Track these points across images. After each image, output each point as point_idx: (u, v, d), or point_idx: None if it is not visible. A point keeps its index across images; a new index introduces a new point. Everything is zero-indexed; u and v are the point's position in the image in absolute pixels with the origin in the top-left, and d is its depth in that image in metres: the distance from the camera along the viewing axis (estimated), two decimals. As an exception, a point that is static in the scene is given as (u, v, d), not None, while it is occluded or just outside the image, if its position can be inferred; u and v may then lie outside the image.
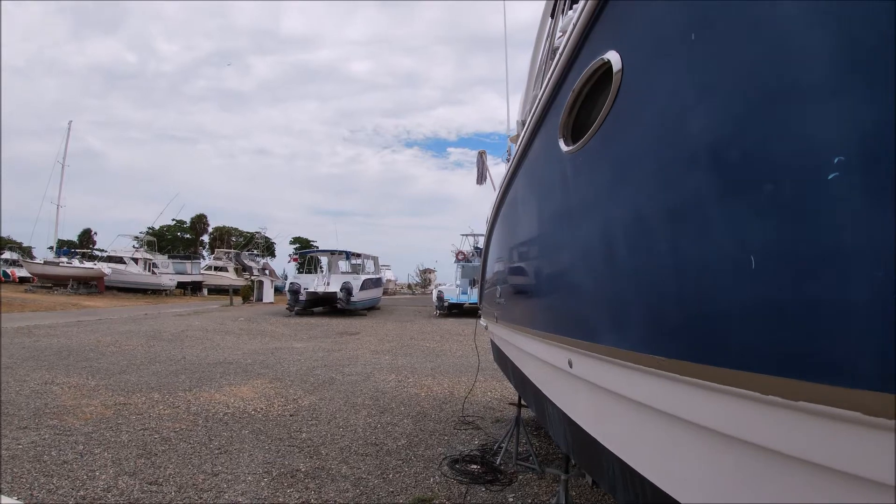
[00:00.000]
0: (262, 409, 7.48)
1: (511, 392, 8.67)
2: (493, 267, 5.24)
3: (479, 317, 7.17)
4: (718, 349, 1.34)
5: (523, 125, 4.08)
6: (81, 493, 4.44)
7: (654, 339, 1.69)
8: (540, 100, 2.69)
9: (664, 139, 1.56)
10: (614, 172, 1.92)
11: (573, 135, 2.24)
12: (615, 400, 2.05)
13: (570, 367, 2.41)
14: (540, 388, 3.36)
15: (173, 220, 69.44)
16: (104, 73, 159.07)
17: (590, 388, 2.28)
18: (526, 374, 3.87)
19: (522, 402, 5.59)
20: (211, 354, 12.57)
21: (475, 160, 6.76)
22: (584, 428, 2.42)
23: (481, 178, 6.48)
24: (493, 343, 6.56)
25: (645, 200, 1.70)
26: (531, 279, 3.39)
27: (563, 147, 2.27)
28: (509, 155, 5.54)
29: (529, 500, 4.59)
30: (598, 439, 2.25)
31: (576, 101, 2.16)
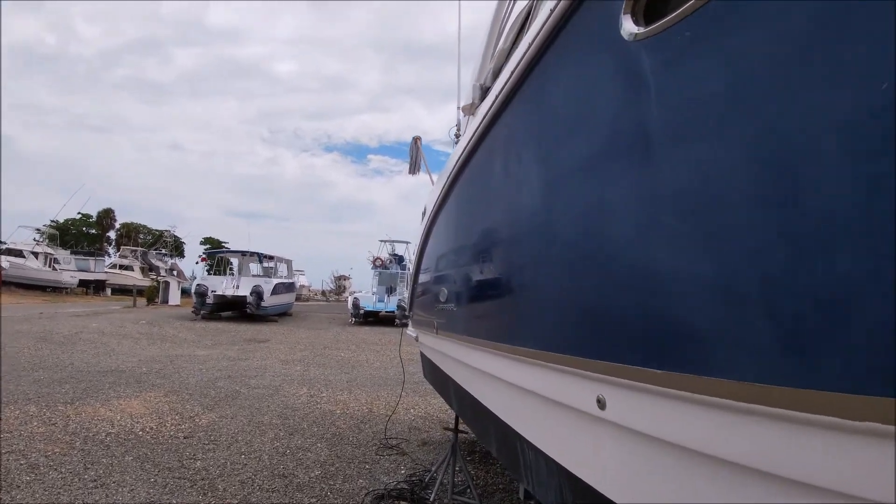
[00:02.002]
0: (151, 428, 6.47)
1: (439, 408, 7.94)
2: (435, 266, 4.47)
3: (406, 325, 6.51)
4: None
5: (483, 89, 3.42)
6: None
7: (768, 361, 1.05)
8: None
9: None
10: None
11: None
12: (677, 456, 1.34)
13: (601, 407, 1.61)
14: (516, 427, 2.51)
15: (79, 213, 65.85)
16: (21, 53, 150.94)
17: (632, 437, 1.53)
18: (486, 404, 3.06)
19: (460, 425, 4.87)
20: (103, 361, 11.40)
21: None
22: (608, 497, 1.64)
23: (415, 167, 5.78)
24: (424, 357, 5.72)
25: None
26: (512, 278, 2.60)
27: (631, 28, 1.42)
28: (458, 130, 4.81)
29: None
30: None
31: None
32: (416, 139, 5.85)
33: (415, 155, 5.80)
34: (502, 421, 2.68)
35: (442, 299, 3.98)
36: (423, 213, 5.17)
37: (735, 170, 1.11)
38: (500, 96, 2.53)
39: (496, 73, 3.18)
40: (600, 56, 1.70)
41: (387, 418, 7.22)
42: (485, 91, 3.38)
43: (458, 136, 4.81)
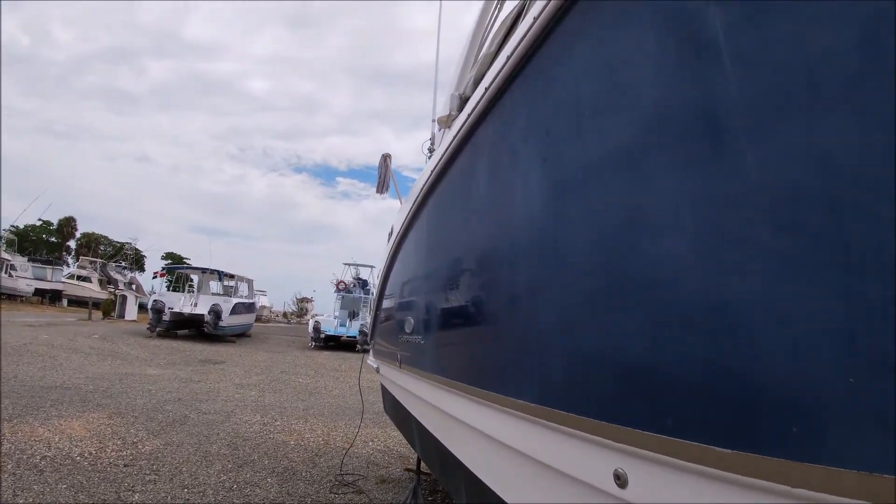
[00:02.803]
0: (91, 453, 6.01)
1: (400, 441, 7.58)
2: (401, 292, 4.11)
3: (367, 352, 6.19)
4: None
5: (461, 99, 3.17)
6: None
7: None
8: None
9: None
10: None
11: None
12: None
13: (621, 485, 1.29)
14: (502, 493, 2.09)
15: (39, 220, 64.64)
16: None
17: None
18: (461, 458, 2.64)
19: (422, 467, 4.55)
20: (49, 375, 10.83)
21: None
22: None
23: (383, 185, 5.51)
24: (384, 390, 5.33)
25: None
26: (499, 312, 2.20)
27: None
28: (432, 144, 4.54)
29: None
30: None
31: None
32: (386, 156, 5.59)
33: (384, 173, 5.53)
34: (482, 482, 2.29)
35: (408, 330, 3.64)
36: (390, 234, 4.84)
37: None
38: (481, 102, 2.28)
39: (477, 81, 2.93)
40: (602, 55, 1.51)
41: (344, 452, 6.85)
42: (464, 101, 3.11)
43: (431, 150, 4.54)
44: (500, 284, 2.22)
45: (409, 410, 3.88)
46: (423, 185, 3.30)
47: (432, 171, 3.09)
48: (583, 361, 1.54)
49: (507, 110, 2.16)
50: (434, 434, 3.16)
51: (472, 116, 2.40)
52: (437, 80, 4.86)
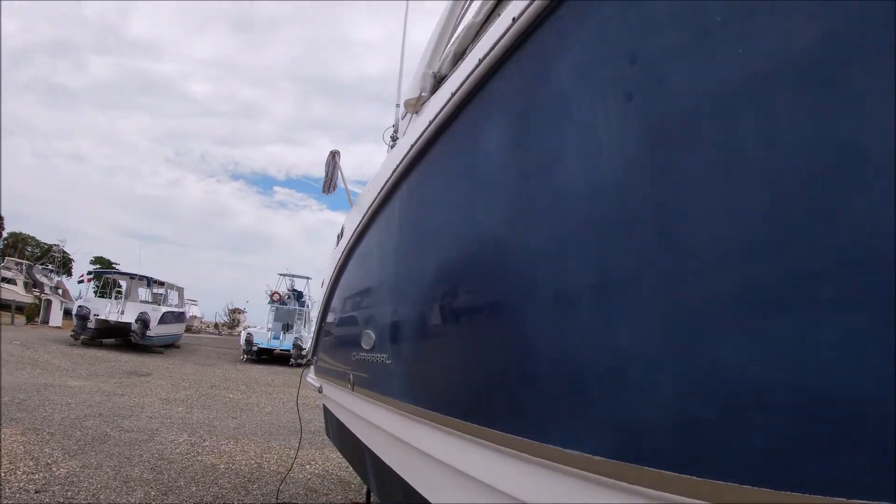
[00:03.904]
0: (-2, 477, 5.48)
1: (340, 464, 7.20)
2: (357, 303, 3.65)
3: (300, 366, 5.78)
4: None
5: (436, 78, 2.85)
6: None
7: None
8: None
9: None
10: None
11: None
12: None
13: None
14: None
15: (-38, 218, 61.14)
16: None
17: None
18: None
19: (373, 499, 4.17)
20: (-43, 386, 10.02)
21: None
22: None
23: (330, 184, 5.12)
24: (328, 412, 4.90)
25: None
26: (507, 326, 1.82)
27: None
28: (395, 132, 4.05)
29: None
30: None
31: None
32: (334, 153, 5.20)
33: (331, 171, 5.14)
34: None
35: (366, 347, 3.11)
36: (339, 236, 4.44)
37: None
38: (467, 82, 1.98)
39: (458, 56, 2.59)
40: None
41: (281, 477, 6.41)
42: (439, 80, 2.79)
43: (395, 138, 4.08)
44: (500, 295, 1.87)
45: (363, 440, 3.45)
46: (385, 182, 2.93)
47: (398, 165, 2.74)
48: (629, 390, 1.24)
49: (499, 94, 1.86)
50: (400, 474, 2.71)
51: (456, 95, 2.09)
52: (403, 56, 4.44)
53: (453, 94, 2.11)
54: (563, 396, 1.44)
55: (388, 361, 2.81)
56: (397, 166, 2.75)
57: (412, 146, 2.54)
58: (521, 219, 1.74)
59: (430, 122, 2.29)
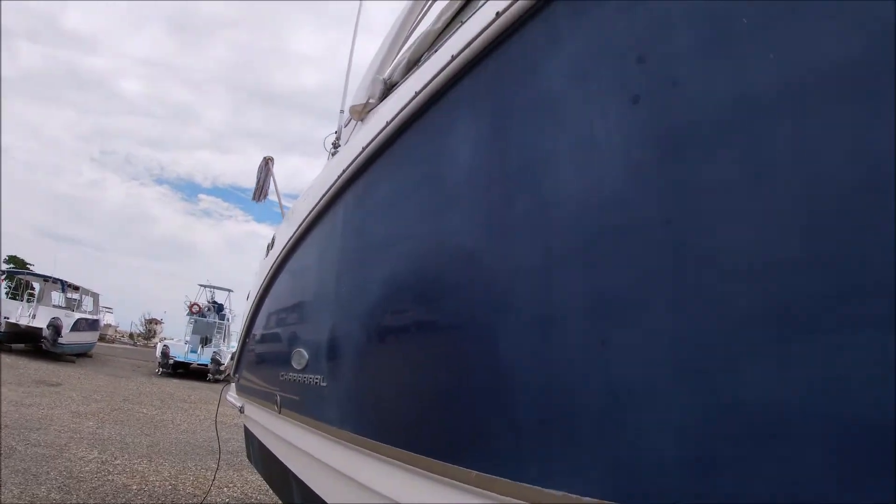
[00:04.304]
0: None
1: (260, 487, 6.97)
2: (287, 318, 3.45)
3: (218, 381, 5.51)
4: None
5: (387, 84, 2.78)
6: None
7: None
8: None
9: None
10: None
11: None
12: None
13: None
14: None
15: None
16: None
17: None
18: None
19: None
20: None
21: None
22: None
23: (261, 192, 4.91)
24: (250, 434, 4.66)
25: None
26: (474, 348, 1.66)
27: None
28: (337, 139, 3.87)
29: None
30: None
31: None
32: (268, 160, 5.00)
33: (263, 178, 4.96)
34: None
35: (297, 366, 2.89)
36: (270, 247, 4.24)
37: None
38: (426, 89, 1.91)
39: (413, 64, 2.53)
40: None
41: (197, 502, 6.14)
42: (389, 87, 2.72)
43: (336, 145, 3.91)
44: (457, 313, 1.76)
45: (290, 468, 3.23)
46: (330, 187, 2.77)
47: (340, 175, 2.63)
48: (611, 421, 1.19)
49: (482, 90, 1.77)
50: None
51: (412, 104, 2.02)
52: (351, 60, 4.28)
53: (408, 103, 2.04)
54: (544, 427, 1.33)
55: (324, 384, 2.62)
56: (342, 173, 2.63)
57: (363, 151, 2.43)
58: (483, 230, 1.67)
59: (386, 124, 2.20)
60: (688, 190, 1.07)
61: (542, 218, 1.42)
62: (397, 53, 3.11)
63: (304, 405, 2.90)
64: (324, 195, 2.85)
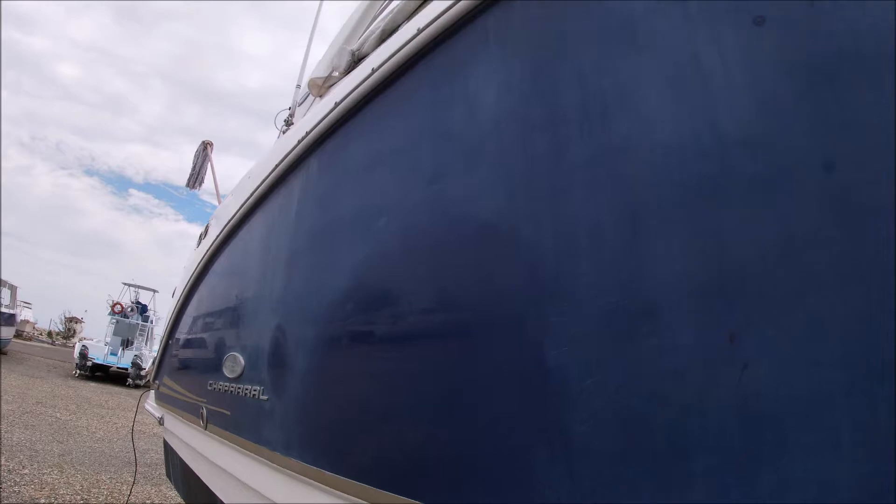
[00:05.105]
0: None
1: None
2: (225, 316, 2.99)
3: (138, 387, 5.15)
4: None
5: (355, 56, 2.56)
6: None
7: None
8: None
9: None
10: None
11: None
12: None
13: None
14: None
15: None
16: None
17: None
18: None
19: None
20: None
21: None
22: None
23: (197, 178, 4.62)
24: (170, 450, 4.28)
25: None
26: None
27: None
28: (291, 116, 3.59)
29: None
30: None
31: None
32: (207, 144, 4.72)
33: (200, 163, 4.67)
34: None
35: (229, 374, 2.49)
36: (202, 237, 3.84)
37: None
38: (405, 48, 1.71)
39: (388, 34, 2.26)
40: None
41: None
42: (357, 60, 2.50)
43: (289, 122, 3.56)
44: (439, 311, 1.54)
45: (220, 497, 2.82)
46: (272, 170, 2.48)
47: (290, 152, 2.33)
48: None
49: (468, 56, 1.55)
50: None
51: (377, 73, 1.81)
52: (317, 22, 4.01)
53: (377, 67, 1.83)
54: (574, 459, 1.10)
55: (264, 398, 2.21)
56: (290, 152, 2.34)
57: (318, 124, 2.15)
58: (468, 213, 1.46)
59: (345, 98, 1.99)
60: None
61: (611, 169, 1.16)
62: (370, 24, 2.83)
63: (236, 423, 2.51)
64: (271, 173, 2.51)
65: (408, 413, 1.57)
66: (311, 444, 1.95)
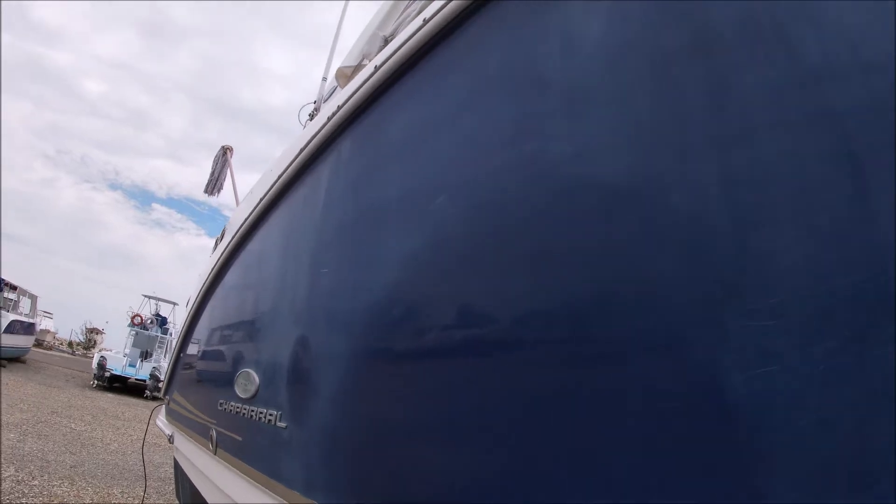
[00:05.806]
0: None
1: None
2: (231, 329, 2.73)
3: (155, 397, 4.94)
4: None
5: (386, 41, 2.33)
6: None
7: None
8: None
9: None
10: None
11: None
12: None
13: None
14: None
15: None
16: None
17: None
18: None
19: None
20: None
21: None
22: None
23: (215, 184, 4.41)
24: (180, 471, 3.93)
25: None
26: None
27: None
28: (316, 109, 3.31)
29: None
30: None
31: None
32: (226, 149, 4.52)
33: (219, 169, 4.47)
34: None
35: (242, 394, 2.19)
36: (218, 241, 3.60)
37: None
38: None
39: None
40: None
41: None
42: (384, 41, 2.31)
43: (313, 115, 3.24)
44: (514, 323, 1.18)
45: None
46: (291, 163, 2.23)
47: (310, 144, 2.11)
48: None
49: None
50: None
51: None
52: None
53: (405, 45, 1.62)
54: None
55: (281, 424, 1.89)
56: (311, 144, 2.10)
57: (336, 112, 1.93)
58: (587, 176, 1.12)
59: (364, 83, 1.78)
60: None
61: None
62: (404, 9, 2.59)
63: (249, 451, 2.19)
64: (303, 148, 2.19)
65: (491, 459, 1.15)
66: (340, 488, 1.60)
